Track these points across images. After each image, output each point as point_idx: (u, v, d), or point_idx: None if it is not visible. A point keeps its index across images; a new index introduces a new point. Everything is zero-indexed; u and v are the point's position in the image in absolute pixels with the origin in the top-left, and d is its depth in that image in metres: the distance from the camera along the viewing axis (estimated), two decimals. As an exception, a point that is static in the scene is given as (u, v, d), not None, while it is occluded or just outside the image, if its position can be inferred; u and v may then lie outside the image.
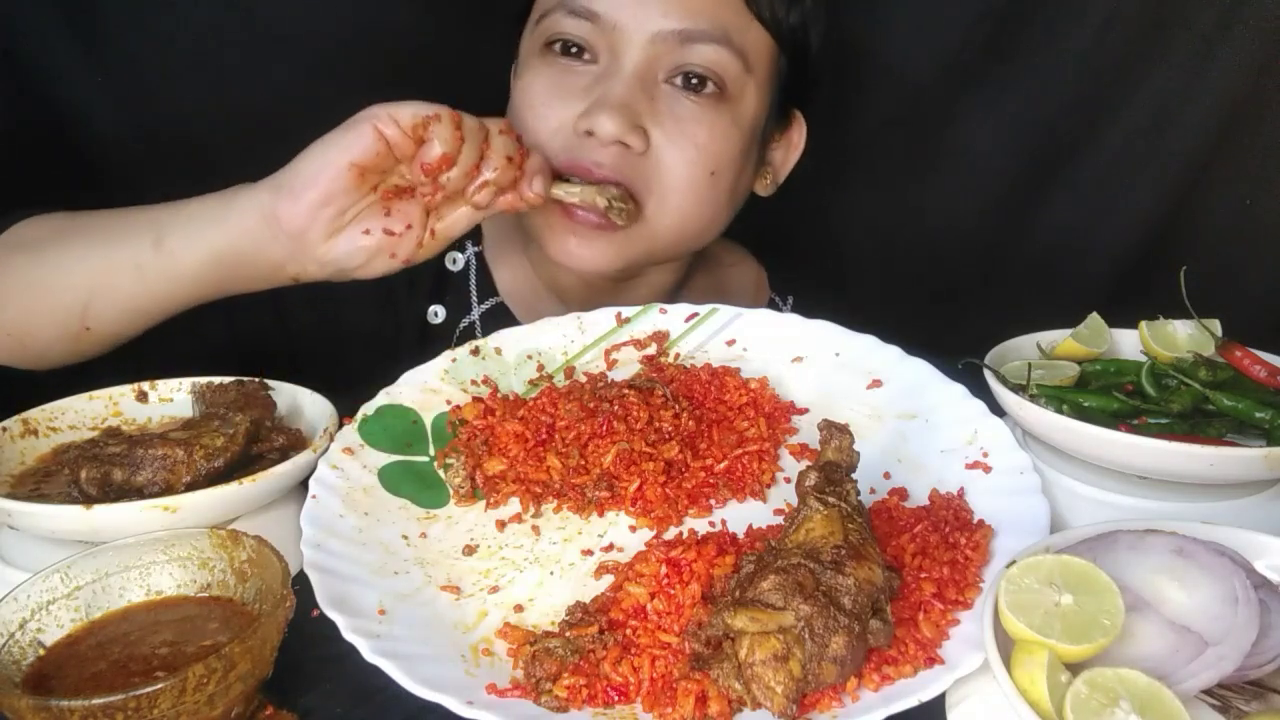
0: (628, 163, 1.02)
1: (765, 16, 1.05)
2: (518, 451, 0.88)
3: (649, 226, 1.06)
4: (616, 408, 0.88)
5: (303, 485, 0.84)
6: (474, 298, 1.21)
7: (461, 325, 1.21)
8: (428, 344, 1.19)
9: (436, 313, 1.21)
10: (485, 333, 1.18)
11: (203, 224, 0.91)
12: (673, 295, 1.20)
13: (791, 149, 1.20)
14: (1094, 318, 1.00)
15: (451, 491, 0.88)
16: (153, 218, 0.93)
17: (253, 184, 0.91)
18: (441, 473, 0.89)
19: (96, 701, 0.56)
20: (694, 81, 1.03)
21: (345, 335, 1.19)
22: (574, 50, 1.04)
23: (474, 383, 0.97)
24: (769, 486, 0.87)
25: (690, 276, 1.23)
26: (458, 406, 0.94)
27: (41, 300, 0.95)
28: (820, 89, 1.18)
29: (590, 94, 1.02)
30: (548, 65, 1.05)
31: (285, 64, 1.31)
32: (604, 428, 0.87)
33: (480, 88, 1.21)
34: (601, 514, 0.84)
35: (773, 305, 1.30)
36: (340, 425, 0.90)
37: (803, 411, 0.96)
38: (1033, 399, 0.87)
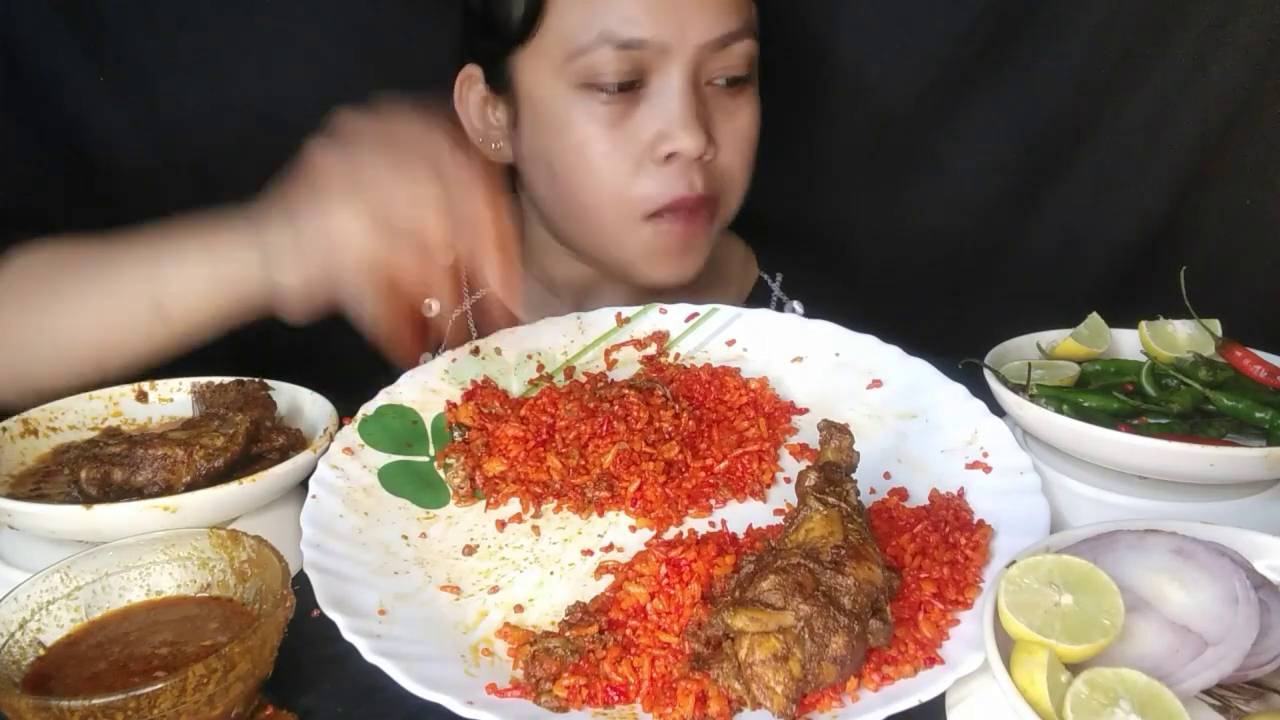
0: (709, 173, 1.06)
1: None
2: (518, 452, 0.88)
3: (723, 218, 1.11)
4: (616, 408, 0.88)
5: (303, 485, 0.84)
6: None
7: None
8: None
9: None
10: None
11: (200, 283, 0.89)
12: None
13: None
14: (1094, 318, 0.99)
15: (451, 491, 0.88)
16: (147, 274, 0.91)
17: (244, 228, 0.87)
18: (441, 473, 0.89)
19: (96, 701, 0.56)
20: (734, 79, 1.06)
21: (351, 330, 1.19)
22: (620, 85, 1.02)
23: (474, 383, 0.97)
24: (769, 486, 0.87)
25: None
26: (453, 405, 0.94)
27: (44, 361, 0.95)
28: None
29: (653, 118, 1.03)
30: (597, 106, 1.03)
31: (288, 65, 1.31)
32: (604, 428, 0.87)
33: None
34: (601, 514, 0.84)
35: (761, 284, 1.30)
36: (340, 425, 0.90)
37: (803, 411, 0.96)
38: (1033, 399, 0.87)
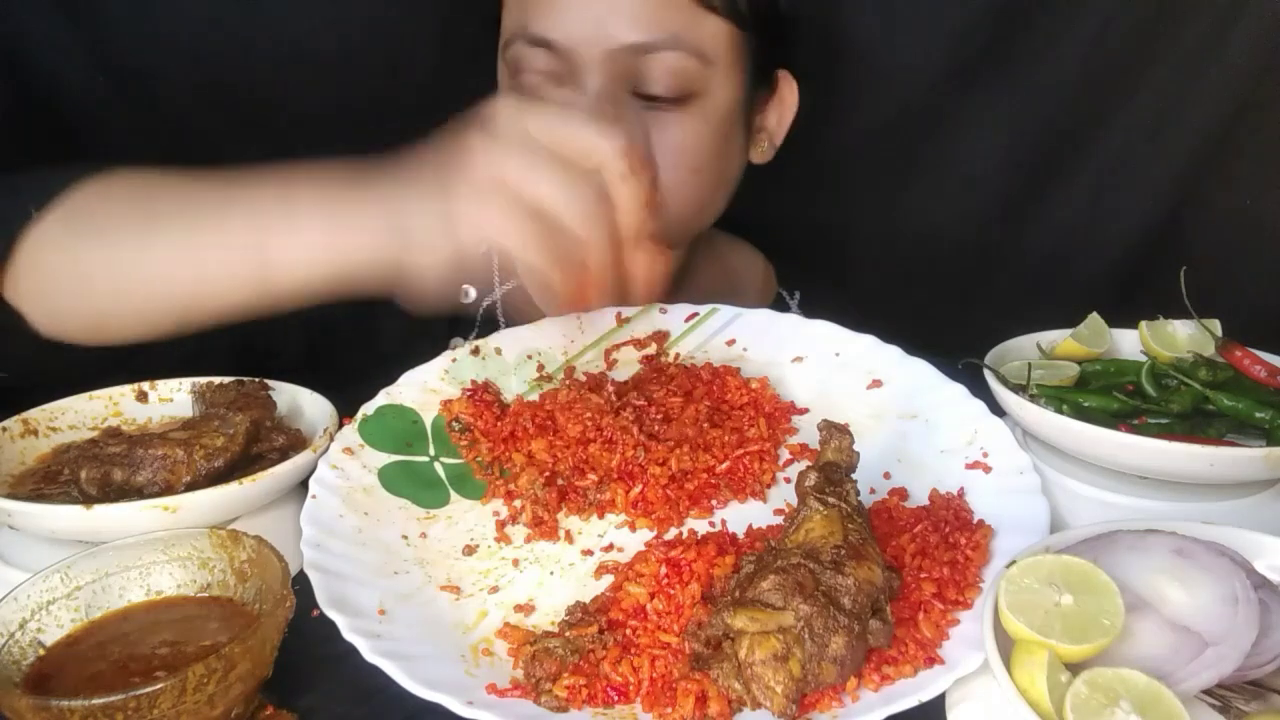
0: None
1: (716, 5, 1.04)
2: (539, 447, 0.88)
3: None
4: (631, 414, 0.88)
5: (303, 485, 0.84)
6: (496, 278, 1.22)
7: (485, 304, 1.21)
8: (457, 322, 1.20)
9: (468, 291, 1.21)
10: (506, 312, 1.19)
11: (316, 251, 0.80)
12: (676, 285, 1.20)
13: (785, 109, 1.19)
14: (1094, 318, 1.00)
15: (473, 467, 0.88)
16: (257, 227, 0.82)
17: (366, 195, 0.80)
18: (461, 447, 0.90)
19: (96, 701, 0.56)
20: (658, 95, 1.03)
21: (377, 323, 1.18)
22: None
23: (474, 383, 0.97)
24: (769, 486, 0.87)
25: (698, 272, 1.23)
26: (448, 401, 0.94)
27: (127, 300, 0.87)
28: (803, 41, 1.17)
29: None
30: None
31: (283, 56, 1.31)
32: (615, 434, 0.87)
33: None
34: (602, 515, 0.84)
35: (779, 300, 1.31)
36: (340, 425, 0.90)
37: (803, 411, 0.96)
38: (1033, 399, 0.87)
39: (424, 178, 0.78)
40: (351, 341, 1.20)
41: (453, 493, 0.88)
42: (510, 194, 0.75)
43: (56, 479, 0.86)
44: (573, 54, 1.00)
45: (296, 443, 0.90)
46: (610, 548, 0.81)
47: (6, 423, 0.90)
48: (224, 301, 0.85)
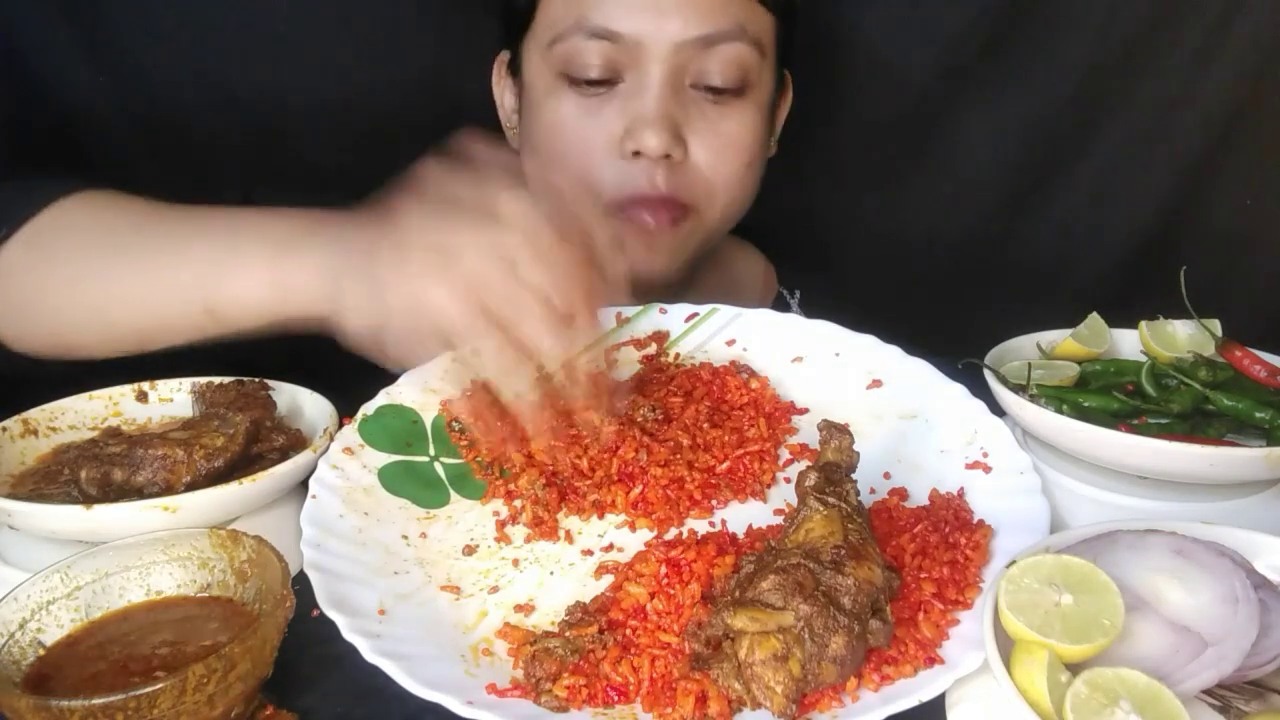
0: (677, 174, 1.04)
1: (769, 1, 1.06)
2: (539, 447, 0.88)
3: (702, 225, 1.09)
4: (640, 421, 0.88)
5: (303, 485, 0.84)
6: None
7: None
8: None
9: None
10: None
11: (260, 299, 0.83)
12: (682, 286, 1.20)
13: (783, 108, 1.21)
14: (1094, 318, 1.00)
15: (473, 467, 0.88)
16: (206, 275, 0.85)
17: (317, 253, 0.81)
18: (461, 447, 0.90)
19: (96, 701, 0.56)
20: (720, 86, 1.04)
21: None
22: (597, 78, 1.03)
23: (473, 383, 0.97)
24: (769, 486, 0.87)
25: (699, 274, 1.23)
26: (447, 401, 0.94)
27: (89, 324, 0.91)
28: (803, 40, 1.19)
29: (623, 113, 1.03)
30: (574, 93, 1.05)
31: (285, 64, 1.31)
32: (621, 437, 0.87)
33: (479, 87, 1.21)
34: (602, 515, 0.84)
35: (780, 299, 1.31)
36: (340, 425, 0.90)
37: (803, 411, 0.96)
38: (1033, 399, 0.87)
39: (358, 239, 0.79)
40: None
41: (453, 493, 0.88)
42: (442, 261, 0.73)
43: (56, 479, 0.86)
44: (639, 46, 1.01)
45: (296, 443, 0.90)
46: (610, 548, 0.81)
47: (6, 423, 0.90)
48: (177, 329, 0.89)
